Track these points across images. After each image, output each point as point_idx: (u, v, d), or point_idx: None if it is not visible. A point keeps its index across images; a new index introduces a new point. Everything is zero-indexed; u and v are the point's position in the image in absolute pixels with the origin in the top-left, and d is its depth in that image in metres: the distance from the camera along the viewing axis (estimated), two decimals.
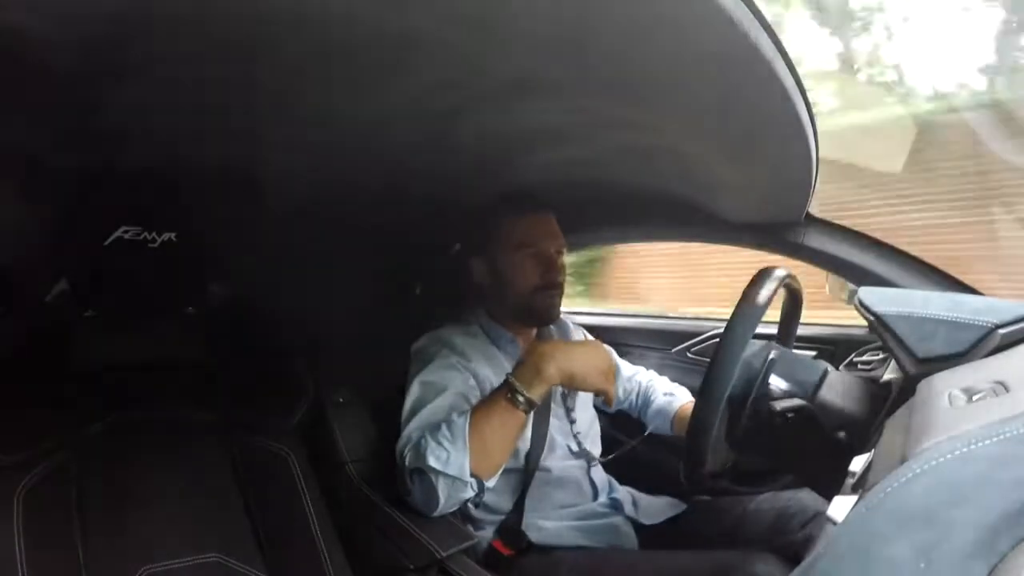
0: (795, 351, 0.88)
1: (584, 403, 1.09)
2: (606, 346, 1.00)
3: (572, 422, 1.03)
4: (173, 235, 0.89)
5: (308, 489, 0.97)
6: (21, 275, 0.92)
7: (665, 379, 1.20)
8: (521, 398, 0.83)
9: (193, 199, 0.90)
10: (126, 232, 0.86)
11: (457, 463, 0.80)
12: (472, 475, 0.81)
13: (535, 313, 1.01)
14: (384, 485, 0.96)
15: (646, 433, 1.09)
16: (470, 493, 0.82)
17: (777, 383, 0.74)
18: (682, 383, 1.20)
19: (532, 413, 0.86)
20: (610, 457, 1.03)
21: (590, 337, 1.17)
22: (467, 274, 1.05)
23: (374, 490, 0.96)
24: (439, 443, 0.81)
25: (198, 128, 0.79)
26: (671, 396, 1.15)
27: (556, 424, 1.01)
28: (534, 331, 1.08)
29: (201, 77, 0.65)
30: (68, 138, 0.76)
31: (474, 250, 1.04)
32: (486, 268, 1.03)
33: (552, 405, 1.01)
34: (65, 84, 0.63)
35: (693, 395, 1.11)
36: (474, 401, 0.92)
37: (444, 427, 0.82)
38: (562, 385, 0.86)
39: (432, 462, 0.80)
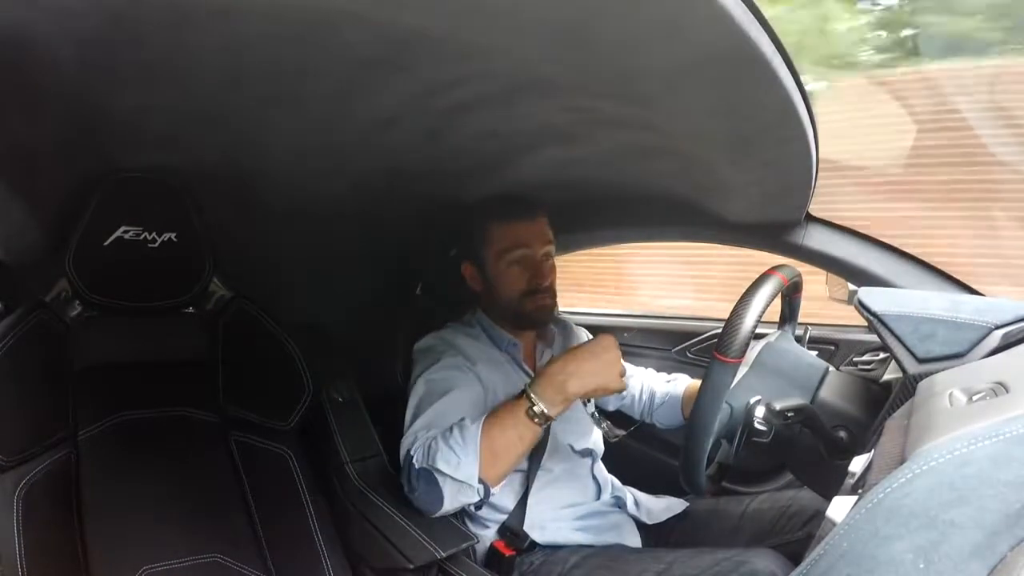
0: (797, 348, 0.88)
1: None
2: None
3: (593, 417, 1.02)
4: (173, 235, 0.89)
5: (308, 489, 0.97)
6: (21, 274, 0.92)
7: (664, 374, 1.20)
8: (540, 412, 0.82)
9: (193, 199, 0.90)
10: (126, 232, 0.86)
11: (467, 469, 0.79)
12: (480, 481, 0.81)
13: (526, 317, 1.01)
14: (384, 485, 0.96)
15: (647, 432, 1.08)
16: (475, 498, 0.82)
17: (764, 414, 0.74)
18: None
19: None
20: (620, 436, 1.00)
21: (590, 336, 1.17)
22: (462, 278, 1.05)
23: (374, 490, 0.96)
24: (450, 447, 0.80)
25: (199, 128, 0.79)
26: (674, 384, 1.14)
27: (560, 423, 1.01)
28: (534, 331, 1.08)
29: (202, 77, 0.65)
30: (69, 138, 0.76)
31: (465, 255, 1.04)
32: (477, 273, 1.03)
33: None
34: (66, 83, 0.63)
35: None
36: (478, 402, 0.92)
37: (456, 432, 0.82)
38: (583, 399, 0.84)
39: (441, 465, 0.80)
